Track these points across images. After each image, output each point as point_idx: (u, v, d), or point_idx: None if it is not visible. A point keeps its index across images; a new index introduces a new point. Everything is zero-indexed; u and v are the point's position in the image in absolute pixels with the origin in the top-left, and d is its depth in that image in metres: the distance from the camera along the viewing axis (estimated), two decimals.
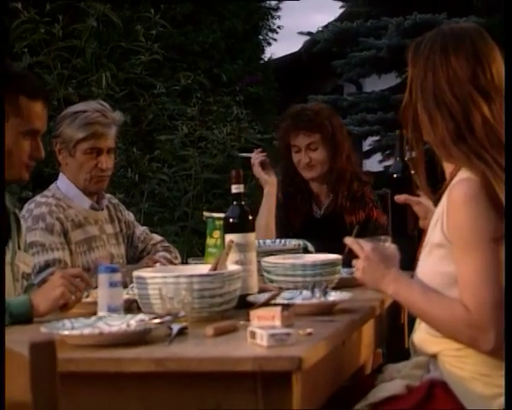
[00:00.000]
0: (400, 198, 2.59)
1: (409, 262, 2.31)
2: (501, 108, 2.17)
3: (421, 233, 2.44)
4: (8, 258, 2.61)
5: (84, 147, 3.21)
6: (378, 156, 8.17)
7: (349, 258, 2.45)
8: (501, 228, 2.05)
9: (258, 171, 3.64)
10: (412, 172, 2.27)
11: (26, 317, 2.37)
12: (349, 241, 2.36)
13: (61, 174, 3.30)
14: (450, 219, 2.12)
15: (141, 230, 3.48)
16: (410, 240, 2.63)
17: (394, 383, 2.24)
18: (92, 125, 3.21)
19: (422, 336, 2.25)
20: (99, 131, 3.21)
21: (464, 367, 2.15)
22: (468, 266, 2.08)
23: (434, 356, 2.21)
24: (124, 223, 3.42)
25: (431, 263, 2.21)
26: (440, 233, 2.16)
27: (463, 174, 2.14)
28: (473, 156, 2.13)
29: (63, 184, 3.27)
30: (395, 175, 2.75)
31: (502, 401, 2.10)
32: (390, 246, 2.38)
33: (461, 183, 2.12)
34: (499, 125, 2.15)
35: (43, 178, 4.71)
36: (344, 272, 2.83)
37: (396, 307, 3.00)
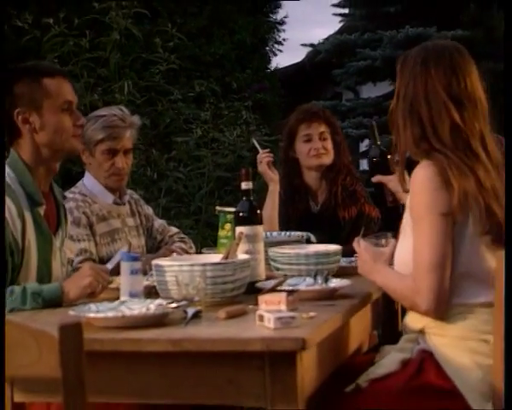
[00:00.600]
0: (374, 179, 2.82)
1: (392, 226, 2.50)
2: (473, 115, 2.20)
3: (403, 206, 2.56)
4: (58, 244, 2.63)
5: (102, 148, 3.20)
6: None
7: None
8: (451, 205, 2.09)
9: (264, 168, 3.57)
10: (388, 156, 2.36)
11: (57, 302, 2.36)
12: (354, 241, 2.43)
13: (86, 172, 3.29)
14: (411, 198, 2.18)
15: (159, 222, 3.47)
16: (390, 209, 2.86)
17: (390, 358, 2.24)
18: (109, 128, 3.19)
19: (411, 317, 2.26)
20: (114, 134, 3.19)
21: (444, 334, 2.17)
22: (417, 236, 2.13)
23: (421, 331, 2.22)
24: (143, 216, 3.41)
25: (406, 244, 2.22)
26: (409, 215, 2.21)
27: (425, 162, 2.19)
28: (432, 151, 2.17)
29: (88, 181, 3.27)
30: (374, 159, 2.91)
31: (482, 372, 2.09)
32: (390, 242, 2.41)
33: (420, 167, 2.18)
34: (469, 130, 2.19)
35: (71, 175, 4.71)
36: (343, 262, 2.83)
37: None
